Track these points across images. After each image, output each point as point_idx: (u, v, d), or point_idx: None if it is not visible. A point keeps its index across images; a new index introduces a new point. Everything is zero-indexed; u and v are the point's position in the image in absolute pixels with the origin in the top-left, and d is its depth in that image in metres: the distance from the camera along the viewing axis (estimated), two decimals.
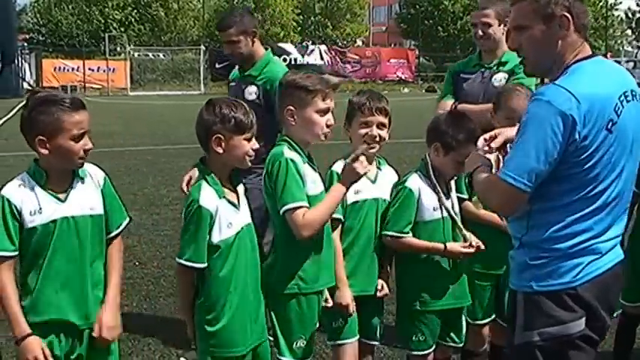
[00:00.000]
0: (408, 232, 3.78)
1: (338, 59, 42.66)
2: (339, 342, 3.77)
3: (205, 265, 3.18)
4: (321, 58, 41.69)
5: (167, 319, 5.58)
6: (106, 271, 3.23)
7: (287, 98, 3.48)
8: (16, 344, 3.03)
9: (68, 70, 39.83)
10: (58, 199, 3.06)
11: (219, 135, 3.17)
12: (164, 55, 43.12)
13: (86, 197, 3.13)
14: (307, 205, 3.35)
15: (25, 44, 44.69)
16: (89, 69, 39.84)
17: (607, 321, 2.80)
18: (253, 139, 3.25)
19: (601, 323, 2.77)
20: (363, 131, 3.76)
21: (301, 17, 51.00)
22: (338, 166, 3.69)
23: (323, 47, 43.25)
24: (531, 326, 2.73)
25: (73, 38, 46.16)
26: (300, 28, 51.00)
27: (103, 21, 47.24)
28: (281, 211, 3.34)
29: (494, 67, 4.84)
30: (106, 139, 16.41)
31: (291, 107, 3.45)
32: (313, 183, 3.46)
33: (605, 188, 2.70)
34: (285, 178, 3.33)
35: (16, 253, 3.03)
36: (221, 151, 3.19)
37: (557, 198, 2.70)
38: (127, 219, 3.33)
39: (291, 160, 3.36)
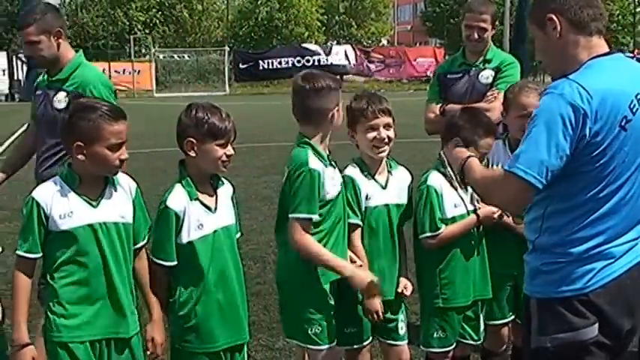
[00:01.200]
0: (441, 227, 3.81)
1: (363, 59, 42.19)
2: (353, 347, 3.81)
3: (175, 263, 3.24)
4: (346, 58, 41.24)
5: None
6: (139, 286, 3.28)
7: (328, 99, 3.53)
8: (12, 346, 3.07)
9: None
10: (91, 204, 3.07)
11: (191, 139, 3.21)
12: (189, 56, 42.91)
13: (118, 204, 3.15)
14: (317, 217, 3.43)
15: None
16: (115, 71, 39.36)
17: (625, 326, 2.73)
18: (229, 146, 3.26)
19: (616, 329, 2.71)
20: (370, 135, 3.72)
21: (325, 17, 50.49)
22: (350, 171, 3.76)
23: (347, 47, 42.86)
24: (544, 331, 2.72)
25: (99, 40, 46.16)
26: (324, 27, 50.54)
27: (127, 23, 47.19)
28: (291, 215, 3.43)
29: (480, 65, 4.90)
30: (132, 140, 15.62)
31: (338, 107, 3.54)
32: (334, 186, 3.53)
33: (617, 188, 2.65)
34: (304, 189, 3.40)
35: (39, 256, 3.06)
36: (193, 154, 3.23)
37: (569, 198, 2.66)
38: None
39: (316, 172, 3.42)
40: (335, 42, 48.29)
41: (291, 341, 3.77)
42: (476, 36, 4.85)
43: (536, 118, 2.61)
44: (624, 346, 2.77)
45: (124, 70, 40.05)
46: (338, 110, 3.53)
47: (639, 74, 2.73)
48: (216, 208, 3.32)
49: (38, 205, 3.02)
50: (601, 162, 2.59)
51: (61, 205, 3.02)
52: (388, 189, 3.82)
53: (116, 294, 3.13)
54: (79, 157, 3.03)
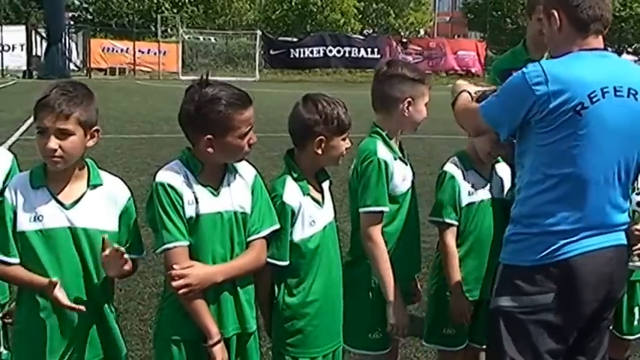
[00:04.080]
0: None
1: (399, 50, 40.52)
2: (447, 349, 3.83)
3: (287, 262, 3.15)
4: (379, 51, 39.86)
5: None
6: None
7: (399, 88, 3.51)
8: (210, 347, 2.92)
9: (117, 52, 39.12)
10: (212, 192, 2.96)
11: (323, 137, 3.18)
12: (216, 39, 41.89)
13: (237, 194, 3.02)
14: (387, 210, 3.44)
15: (72, 22, 44.04)
16: (139, 51, 39.09)
17: (584, 303, 2.93)
18: (347, 138, 3.25)
19: (572, 304, 2.91)
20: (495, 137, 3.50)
21: (362, 4, 49.13)
22: (449, 167, 3.73)
23: (383, 38, 41.80)
24: (500, 293, 3.02)
25: (123, 18, 45.16)
26: (361, 15, 49.17)
27: (154, 1, 46.07)
28: (360, 210, 3.43)
29: None
30: (162, 124, 16.19)
31: (410, 99, 3.49)
32: (403, 180, 3.50)
33: (576, 171, 2.87)
34: (373, 180, 3.40)
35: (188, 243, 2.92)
36: (320, 152, 3.19)
37: (533, 172, 2.94)
38: (277, 225, 3.10)
39: (384, 162, 3.42)
40: (371, 31, 46.68)
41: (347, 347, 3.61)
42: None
43: (504, 84, 3.08)
44: (585, 322, 2.99)
45: (149, 51, 39.46)
46: (413, 104, 3.49)
47: (620, 72, 2.98)
48: (323, 203, 3.28)
49: (173, 189, 2.89)
50: (555, 139, 2.86)
51: (188, 192, 2.91)
52: (494, 182, 3.77)
53: (238, 288, 3.01)
54: (208, 150, 2.91)
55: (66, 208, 2.83)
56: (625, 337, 4.05)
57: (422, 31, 56.56)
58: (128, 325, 5.27)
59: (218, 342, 2.91)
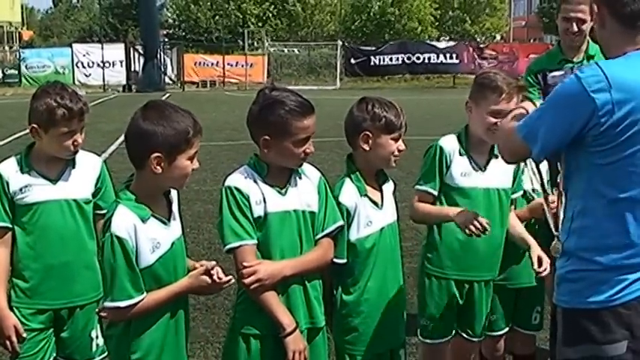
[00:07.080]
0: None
1: (475, 55, 41.29)
2: (491, 335, 4.00)
3: (345, 260, 3.19)
4: (457, 57, 40.54)
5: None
6: None
7: (471, 91, 3.61)
8: (284, 337, 2.96)
9: (208, 65, 40.64)
10: (280, 192, 3.05)
11: (369, 132, 3.20)
12: (299, 51, 43.15)
13: (304, 193, 3.10)
14: (435, 193, 3.55)
15: (166, 39, 45.87)
16: (228, 64, 40.47)
17: None
18: (400, 140, 3.25)
19: None
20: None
21: (439, 12, 49.55)
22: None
23: (459, 44, 42.17)
24: (569, 343, 2.58)
25: (212, 33, 46.99)
26: (437, 23, 49.62)
27: (241, 16, 47.78)
28: (415, 187, 3.59)
29: (584, 61, 4.65)
30: (247, 131, 15.90)
31: (469, 100, 3.59)
32: (463, 176, 3.55)
33: None
34: (426, 162, 3.57)
35: (255, 242, 3.00)
36: (367, 148, 3.22)
37: (591, 196, 2.51)
38: (341, 221, 3.17)
39: (440, 148, 3.54)
40: (448, 38, 47.36)
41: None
42: (575, 28, 4.56)
43: (553, 92, 2.57)
44: None
45: (237, 63, 40.73)
46: (487, 111, 3.49)
47: None
48: (382, 205, 3.31)
49: (240, 191, 2.98)
50: (619, 157, 2.45)
51: (255, 193, 3.00)
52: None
53: (307, 285, 3.09)
54: (265, 150, 3.02)
55: (168, 225, 2.86)
56: (530, 332, 4.20)
57: (498, 36, 56.14)
58: (216, 318, 5.72)
59: (292, 331, 2.94)
